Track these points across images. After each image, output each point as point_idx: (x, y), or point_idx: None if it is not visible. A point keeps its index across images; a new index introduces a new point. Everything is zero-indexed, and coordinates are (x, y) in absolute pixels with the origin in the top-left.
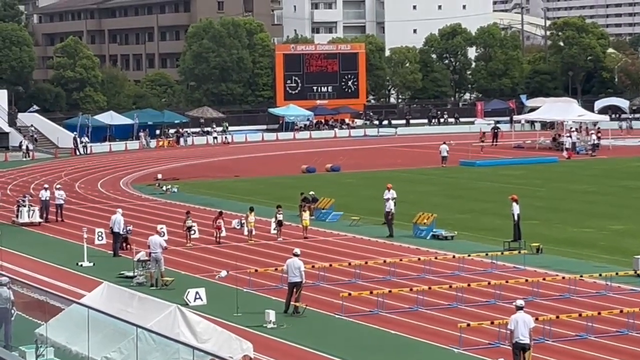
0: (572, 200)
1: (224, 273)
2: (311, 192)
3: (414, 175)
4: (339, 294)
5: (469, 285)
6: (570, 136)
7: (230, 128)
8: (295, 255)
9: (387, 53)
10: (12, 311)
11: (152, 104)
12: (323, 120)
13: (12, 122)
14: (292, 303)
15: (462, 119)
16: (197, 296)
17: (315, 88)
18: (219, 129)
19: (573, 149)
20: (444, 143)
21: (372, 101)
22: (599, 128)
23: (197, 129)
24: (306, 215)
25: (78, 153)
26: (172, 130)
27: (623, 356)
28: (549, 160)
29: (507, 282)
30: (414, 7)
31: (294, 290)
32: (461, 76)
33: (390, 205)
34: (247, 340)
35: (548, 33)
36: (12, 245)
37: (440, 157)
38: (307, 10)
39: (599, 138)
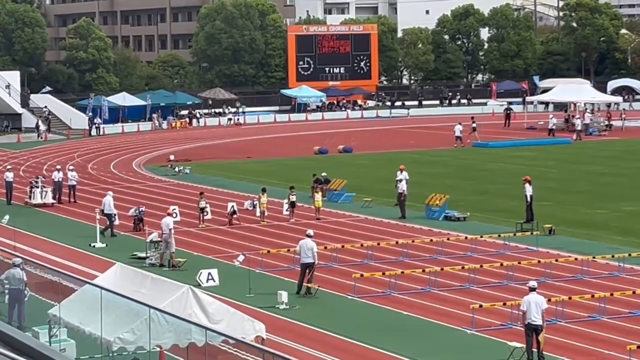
0: (585, 181)
1: (241, 257)
2: (323, 174)
3: (426, 156)
4: (351, 275)
5: (481, 266)
6: (583, 117)
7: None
8: (309, 236)
9: (400, 34)
10: (25, 292)
11: (165, 85)
12: (335, 102)
13: (24, 103)
14: (304, 284)
15: (474, 100)
16: (210, 277)
17: (327, 69)
18: (232, 109)
19: (586, 130)
20: (459, 123)
21: (385, 82)
22: (585, 109)
23: (210, 110)
24: (318, 196)
25: (90, 134)
26: (184, 112)
27: (636, 337)
28: (561, 142)
29: (519, 263)
30: None
31: (307, 271)
32: (474, 57)
33: (403, 186)
34: (260, 321)
35: (561, 14)
36: (25, 227)
37: (455, 137)
38: None
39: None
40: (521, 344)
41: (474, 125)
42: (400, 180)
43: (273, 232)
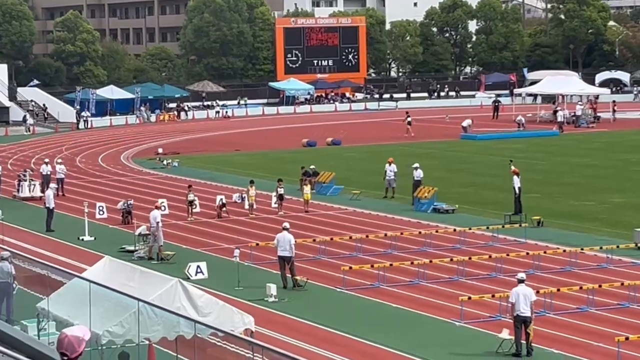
0: (573, 173)
1: (237, 252)
2: (312, 166)
3: (414, 149)
4: (340, 267)
5: (470, 258)
6: (575, 109)
7: (229, 102)
8: (285, 229)
9: (388, 27)
10: (14, 285)
11: (153, 78)
12: (324, 94)
13: (12, 96)
14: (287, 276)
15: (462, 93)
16: (199, 270)
17: (315, 62)
18: (221, 102)
19: (576, 122)
20: (470, 119)
21: (373, 75)
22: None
23: (198, 103)
24: (307, 189)
25: (78, 127)
26: (172, 105)
27: (624, 329)
28: (550, 134)
29: (508, 255)
30: None
31: (285, 264)
32: (462, 49)
33: (420, 174)
34: (249, 314)
35: (549, 6)
36: (13, 220)
37: (462, 127)
38: None
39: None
40: (510, 336)
41: (409, 119)
42: (416, 169)
43: (262, 225)
